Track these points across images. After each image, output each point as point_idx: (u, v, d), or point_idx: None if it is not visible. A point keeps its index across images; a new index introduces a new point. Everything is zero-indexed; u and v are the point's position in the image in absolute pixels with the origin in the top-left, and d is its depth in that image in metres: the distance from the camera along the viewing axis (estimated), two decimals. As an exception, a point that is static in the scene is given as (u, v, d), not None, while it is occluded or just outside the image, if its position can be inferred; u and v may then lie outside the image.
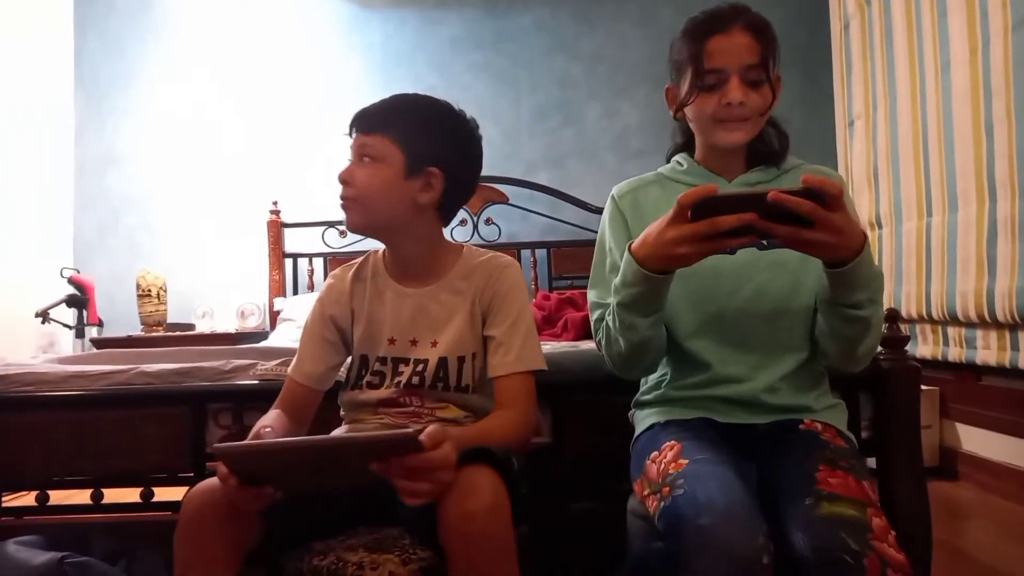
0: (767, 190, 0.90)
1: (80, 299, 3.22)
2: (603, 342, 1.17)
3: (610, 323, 1.12)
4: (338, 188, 1.20)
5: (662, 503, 0.96)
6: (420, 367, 1.20)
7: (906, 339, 1.47)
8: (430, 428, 0.91)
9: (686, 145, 1.29)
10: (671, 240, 0.95)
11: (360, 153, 1.19)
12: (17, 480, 1.56)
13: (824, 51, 3.47)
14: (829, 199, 0.89)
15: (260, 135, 3.65)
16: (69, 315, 3.26)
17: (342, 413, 1.29)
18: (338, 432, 1.25)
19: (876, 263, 1.16)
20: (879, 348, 1.44)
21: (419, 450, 0.87)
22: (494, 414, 1.17)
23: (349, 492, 1.10)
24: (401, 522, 1.09)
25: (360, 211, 1.19)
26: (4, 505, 1.61)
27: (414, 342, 1.22)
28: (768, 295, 1.15)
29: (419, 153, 1.17)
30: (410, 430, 0.90)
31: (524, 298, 1.24)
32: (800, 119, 3.40)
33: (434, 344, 1.21)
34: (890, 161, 2.91)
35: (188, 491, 1.01)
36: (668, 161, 1.31)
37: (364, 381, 1.23)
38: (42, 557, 1.30)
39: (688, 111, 1.19)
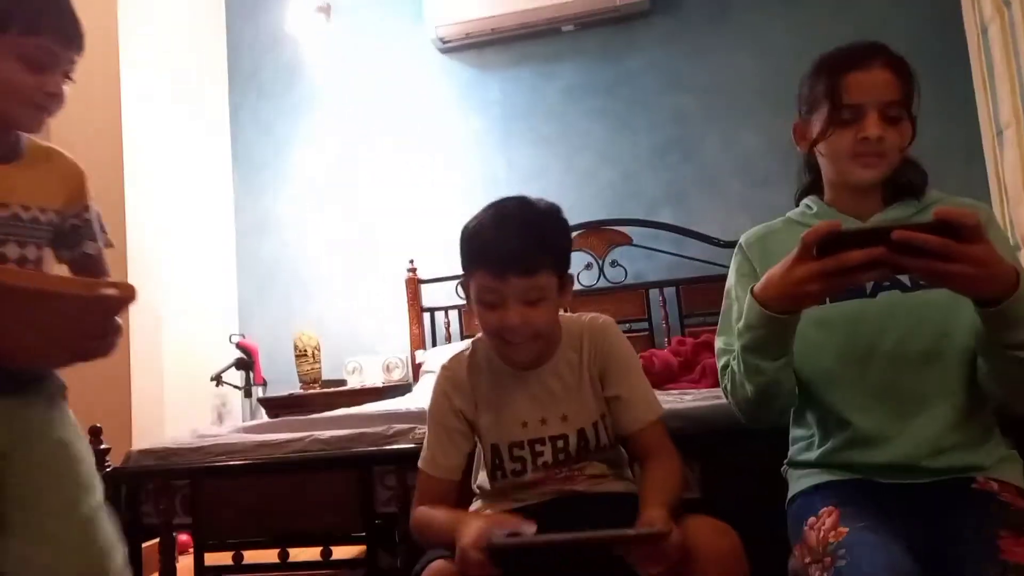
0: (894, 224, 0.88)
1: (247, 362, 3.55)
2: (729, 388, 1.17)
3: (735, 368, 1.12)
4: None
5: (825, 573, 0.95)
6: (560, 443, 1.24)
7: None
8: (653, 515, 1.01)
9: (813, 185, 1.28)
10: (798, 279, 0.94)
11: (525, 298, 1.16)
12: (214, 539, 1.75)
13: (959, 58, 3.28)
14: (965, 231, 0.86)
15: (393, 196, 3.90)
16: (237, 377, 3.59)
17: (478, 491, 1.32)
18: (479, 508, 1.29)
19: None
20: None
21: (667, 539, 0.97)
22: (652, 468, 1.20)
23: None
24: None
25: (539, 349, 1.23)
26: (205, 564, 1.81)
27: (544, 421, 1.25)
28: (917, 340, 1.09)
29: (564, 269, 1.22)
30: (656, 528, 0.98)
31: (630, 349, 1.30)
32: (937, 131, 3.21)
33: (564, 419, 1.24)
34: (1048, 169, 2.69)
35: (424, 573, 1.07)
36: (797, 204, 1.30)
37: (508, 469, 1.25)
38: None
39: (822, 147, 1.18)
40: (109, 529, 1.11)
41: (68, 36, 1.06)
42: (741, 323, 1.07)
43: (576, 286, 3.47)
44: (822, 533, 1.01)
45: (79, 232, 1.21)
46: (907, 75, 1.14)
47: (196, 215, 3.74)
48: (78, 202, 1.20)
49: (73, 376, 3.05)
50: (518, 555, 1.02)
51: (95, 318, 1.00)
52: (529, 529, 1.02)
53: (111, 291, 0.98)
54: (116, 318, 1.02)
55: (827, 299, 1.14)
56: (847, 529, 0.98)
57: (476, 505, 1.32)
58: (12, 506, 1.04)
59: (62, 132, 2.99)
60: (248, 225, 4.06)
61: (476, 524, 1.03)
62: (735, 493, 1.46)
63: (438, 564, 1.07)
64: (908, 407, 1.10)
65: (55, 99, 1.07)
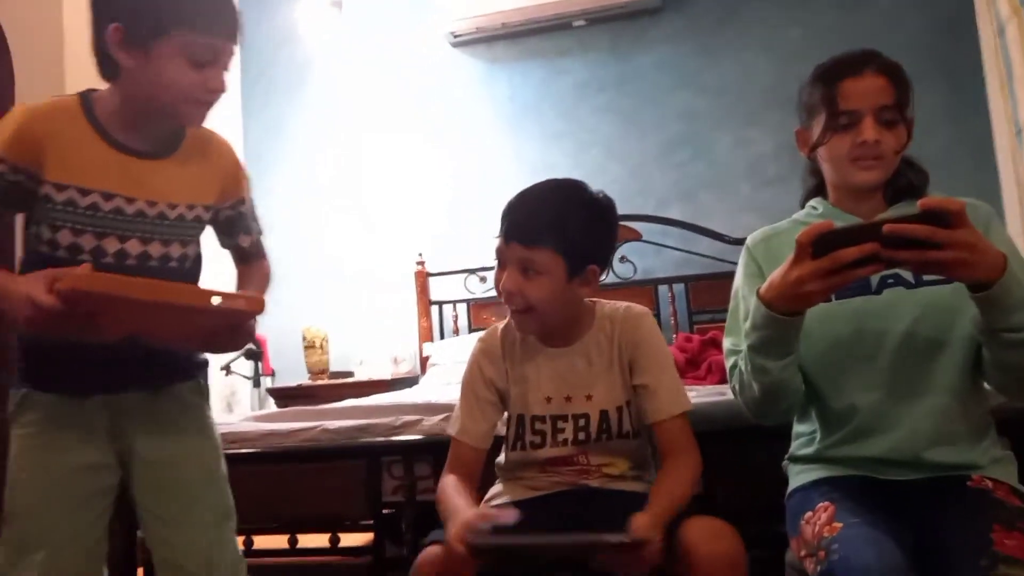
0: (885, 219, 0.91)
1: (256, 352, 3.58)
2: (737, 387, 1.20)
3: (742, 367, 1.14)
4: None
5: (818, 567, 0.98)
6: (582, 422, 1.27)
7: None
8: (640, 520, 1.02)
9: (818, 187, 1.30)
10: (796, 280, 0.97)
11: (522, 266, 1.22)
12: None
13: (971, 60, 3.27)
14: (951, 217, 0.89)
15: (401, 190, 3.93)
16: (247, 367, 3.63)
17: (498, 471, 1.37)
18: (497, 492, 1.34)
19: None
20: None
21: (642, 548, 0.99)
22: (668, 466, 1.23)
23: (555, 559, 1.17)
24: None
25: (535, 322, 1.27)
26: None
27: (568, 399, 1.29)
28: (920, 335, 1.12)
29: (579, 258, 1.22)
30: (632, 537, 1.00)
31: (663, 342, 1.31)
32: (948, 132, 3.21)
33: (589, 398, 1.27)
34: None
35: (419, 558, 1.13)
36: (802, 206, 1.32)
37: (527, 441, 1.30)
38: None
39: (822, 152, 1.21)
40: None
41: (230, 31, 1.05)
42: (747, 324, 1.10)
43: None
44: (817, 527, 1.03)
45: (234, 224, 1.23)
46: (901, 80, 1.16)
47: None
48: (232, 196, 1.20)
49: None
50: (498, 552, 1.06)
51: (220, 324, 1.03)
52: (508, 517, 1.06)
53: (238, 304, 0.99)
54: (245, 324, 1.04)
55: (832, 297, 1.16)
56: (841, 524, 1.00)
57: (495, 488, 1.36)
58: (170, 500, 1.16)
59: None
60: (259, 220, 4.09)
61: (463, 519, 1.07)
62: (737, 488, 1.48)
63: (431, 550, 1.13)
64: (910, 399, 1.12)
65: (217, 93, 1.06)
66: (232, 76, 3.78)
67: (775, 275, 1.02)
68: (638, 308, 1.33)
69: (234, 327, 1.04)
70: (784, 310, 1.02)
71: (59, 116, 1.05)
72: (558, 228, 1.22)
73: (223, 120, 4.00)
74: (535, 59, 3.84)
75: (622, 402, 1.28)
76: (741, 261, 1.30)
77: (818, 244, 0.94)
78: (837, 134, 1.16)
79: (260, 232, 1.28)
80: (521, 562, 1.12)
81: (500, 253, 1.26)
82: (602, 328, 1.30)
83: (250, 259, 1.28)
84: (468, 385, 1.34)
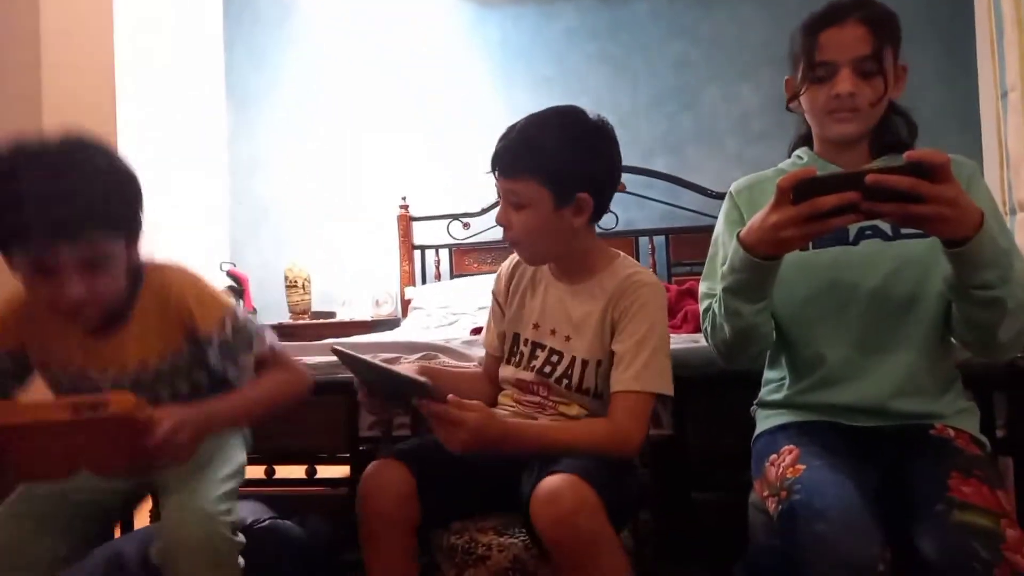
0: (868, 169, 0.90)
1: (236, 290, 3.57)
2: (709, 329, 1.20)
3: (716, 310, 1.15)
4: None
5: (780, 506, 1.00)
6: (555, 358, 1.28)
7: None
8: (477, 402, 1.10)
9: (806, 137, 1.30)
10: (774, 225, 0.97)
11: (507, 199, 1.23)
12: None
13: (966, 21, 3.24)
14: (935, 171, 0.88)
15: (388, 133, 3.87)
16: (228, 304, 3.62)
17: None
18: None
19: (1019, 249, 1.11)
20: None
21: (431, 397, 1.06)
22: (590, 419, 1.23)
23: (487, 478, 1.22)
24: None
25: (528, 251, 1.28)
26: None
27: (553, 332, 1.30)
28: (895, 289, 1.13)
29: (565, 185, 1.19)
30: (427, 382, 1.08)
31: (656, 319, 1.22)
32: (940, 95, 3.21)
33: (567, 339, 1.28)
34: (1046, 136, 2.70)
35: (366, 471, 1.19)
36: (790, 155, 1.32)
37: (512, 358, 1.35)
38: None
39: (803, 102, 1.20)
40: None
41: (49, 238, 0.98)
42: (725, 266, 1.10)
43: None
44: (781, 469, 1.06)
45: (217, 357, 1.16)
46: (884, 29, 1.14)
47: (189, 147, 3.70)
48: (199, 333, 1.14)
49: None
50: (350, 364, 1.17)
51: (120, 437, 0.99)
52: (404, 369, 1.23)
53: (104, 410, 0.94)
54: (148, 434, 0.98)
55: (810, 245, 1.17)
56: (804, 466, 1.02)
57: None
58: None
59: (53, 63, 2.95)
60: (241, 158, 4.03)
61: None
62: (707, 433, 1.52)
63: (378, 462, 1.22)
64: (879, 350, 1.14)
65: (74, 303, 1.01)
66: (214, 6, 3.65)
67: (755, 219, 1.02)
68: (645, 277, 1.25)
69: (137, 436, 0.98)
70: (762, 254, 1.02)
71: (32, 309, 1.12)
72: (538, 157, 1.20)
73: (202, 51, 3.88)
74: (527, 4, 3.76)
75: (592, 358, 1.25)
76: (723, 207, 1.30)
77: (798, 190, 0.93)
78: (814, 85, 1.16)
79: (259, 355, 1.19)
80: (382, 384, 1.19)
81: (496, 188, 1.27)
82: (605, 282, 1.27)
83: (252, 377, 1.20)
84: (491, 299, 1.46)
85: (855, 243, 1.16)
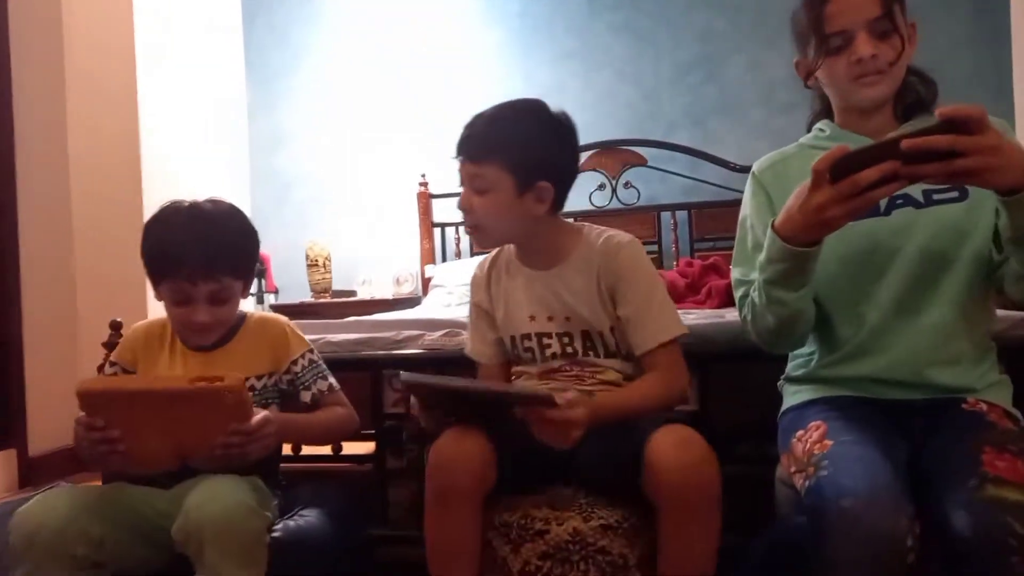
0: (901, 135, 0.87)
1: (259, 269, 3.60)
2: (748, 318, 1.18)
3: (756, 299, 1.13)
4: None
5: (807, 482, 0.99)
6: (566, 339, 1.29)
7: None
8: (569, 394, 1.08)
9: (825, 111, 1.27)
10: (816, 207, 0.94)
11: (471, 184, 1.26)
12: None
13: (1000, -15, 3.14)
14: (972, 123, 0.85)
15: (408, 110, 3.86)
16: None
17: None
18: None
19: None
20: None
21: (552, 406, 1.05)
22: (642, 379, 1.25)
23: (538, 452, 1.18)
24: (580, 483, 1.20)
25: (485, 236, 1.31)
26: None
27: (550, 318, 1.30)
28: (930, 255, 1.10)
29: (526, 171, 1.23)
30: (546, 391, 1.09)
31: (647, 271, 1.27)
32: (970, 59, 3.12)
33: (568, 319, 1.29)
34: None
35: (439, 441, 1.16)
36: (808, 131, 1.30)
37: (522, 358, 1.35)
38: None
39: (821, 77, 1.18)
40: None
41: (193, 274, 1.25)
42: (762, 257, 1.08)
43: (588, 206, 3.52)
44: (808, 445, 1.05)
45: (293, 384, 1.39)
46: None
47: (209, 124, 3.70)
48: (284, 360, 1.39)
49: (90, 274, 3.08)
50: (427, 390, 1.20)
51: (217, 417, 1.15)
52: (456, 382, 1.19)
53: (216, 385, 1.12)
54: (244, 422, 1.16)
55: None
56: (832, 442, 1.01)
57: None
58: None
59: (75, 43, 2.96)
60: (263, 135, 4.04)
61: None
62: (733, 408, 1.51)
63: (451, 431, 1.18)
64: (914, 314, 1.12)
65: (201, 325, 1.29)
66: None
67: (791, 206, 1.00)
68: (619, 237, 1.29)
69: (235, 417, 1.15)
70: (803, 241, 1.00)
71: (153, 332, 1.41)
72: (503, 142, 1.24)
73: (222, 22, 3.86)
74: (547, -27, 3.70)
75: (603, 327, 1.27)
76: (748, 189, 1.27)
77: (836, 169, 0.91)
78: (831, 57, 1.13)
79: (327, 387, 1.41)
80: (451, 402, 1.21)
81: (459, 172, 1.30)
82: (584, 254, 1.29)
83: (318, 408, 1.39)
84: (470, 310, 1.44)
85: (887, 213, 1.14)
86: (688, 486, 1.04)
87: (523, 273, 1.34)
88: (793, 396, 1.22)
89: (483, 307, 1.40)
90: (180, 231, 1.27)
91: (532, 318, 1.32)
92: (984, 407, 1.08)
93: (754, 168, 1.28)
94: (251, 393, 1.31)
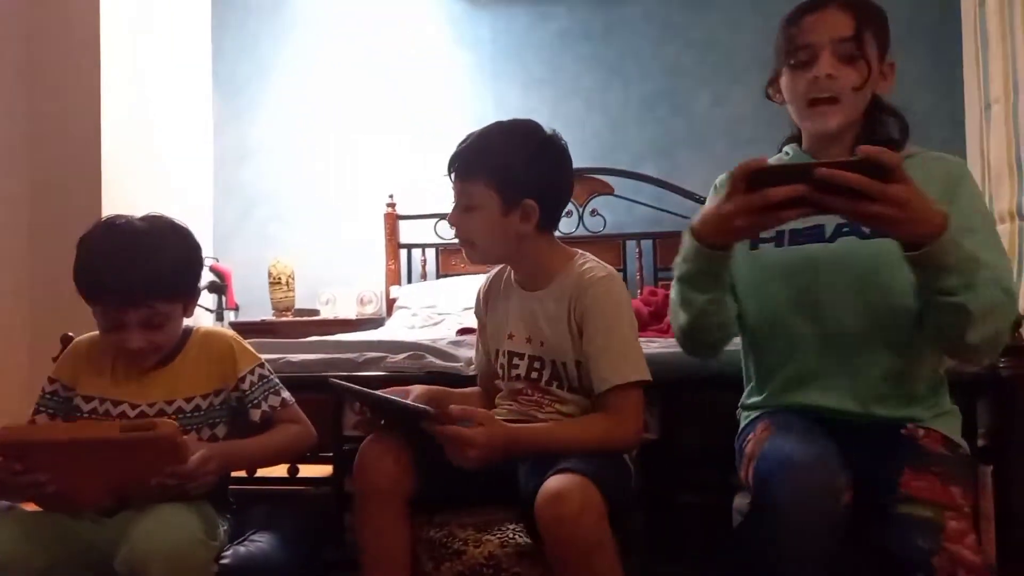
0: (822, 162, 0.89)
1: (219, 285, 3.53)
2: (671, 319, 1.21)
3: (672, 296, 1.17)
4: (448, 182, 1.31)
5: (752, 463, 1.02)
6: (536, 364, 1.29)
7: (1031, 347, 1.41)
8: (483, 411, 1.13)
9: (797, 137, 1.30)
10: (728, 213, 0.95)
11: (460, 201, 1.29)
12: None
13: (954, 30, 3.27)
14: (885, 170, 0.86)
15: (376, 130, 3.85)
16: (210, 300, 3.57)
17: None
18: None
19: (1004, 253, 1.10)
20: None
21: (440, 423, 1.09)
22: (585, 416, 1.24)
23: (482, 472, 1.19)
24: (520, 505, 1.19)
25: (473, 253, 1.32)
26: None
27: (528, 340, 1.31)
28: (869, 288, 1.10)
29: (513, 190, 1.24)
30: (432, 408, 1.13)
31: (616, 311, 1.24)
32: (927, 102, 3.23)
33: (542, 344, 1.29)
34: (1031, 148, 2.72)
35: (362, 444, 1.23)
36: (780, 151, 1.33)
37: (499, 372, 1.37)
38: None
39: (785, 93, 1.19)
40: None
41: (121, 302, 1.19)
42: (679, 255, 1.09)
43: (563, 247, 3.47)
44: (754, 443, 1.08)
45: (242, 402, 1.33)
46: (866, 14, 1.13)
47: (174, 136, 3.65)
48: (232, 375, 1.33)
49: (49, 287, 2.99)
50: (351, 395, 1.29)
51: (149, 461, 1.10)
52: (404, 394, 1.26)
53: (147, 433, 1.08)
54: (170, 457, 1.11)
55: (785, 242, 1.17)
56: (775, 433, 1.05)
57: None
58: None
59: (38, 48, 2.91)
60: (228, 149, 3.99)
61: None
62: (694, 435, 1.52)
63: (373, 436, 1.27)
64: (856, 351, 1.12)
65: (135, 352, 1.23)
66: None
67: (708, 208, 1.02)
68: (596, 272, 1.26)
69: (171, 460, 1.11)
70: (711, 243, 1.01)
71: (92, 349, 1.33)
72: (490, 160, 1.26)
73: (190, 34, 3.83)
74: (520, 4, 3.75)
75: (569, 359, 1.26)
76: (707, 201, 1.30)
77: (753, 180, 0.92)
78: (794, 72, 1.14)
79: (279, 402, 1.36)
80: (377, 411, 1.31)
81: (453, 190, 1.32)
82: (564, 283, 1.29)
83: (270, 426, 1.35)
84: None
85: (832, 240, 1.14)
86: (563, 540, 1.03)
87: (515, 292, 1.37)
88: (747, 421, 1.24)
89: (481, 320, 1.45)
90: (106, 258, 1.19)
91: (511, 336, 1.34)
92: (921, 432, 1.10)
93: (716, 182, 1.32)
94: (198, 414, 1.29)
